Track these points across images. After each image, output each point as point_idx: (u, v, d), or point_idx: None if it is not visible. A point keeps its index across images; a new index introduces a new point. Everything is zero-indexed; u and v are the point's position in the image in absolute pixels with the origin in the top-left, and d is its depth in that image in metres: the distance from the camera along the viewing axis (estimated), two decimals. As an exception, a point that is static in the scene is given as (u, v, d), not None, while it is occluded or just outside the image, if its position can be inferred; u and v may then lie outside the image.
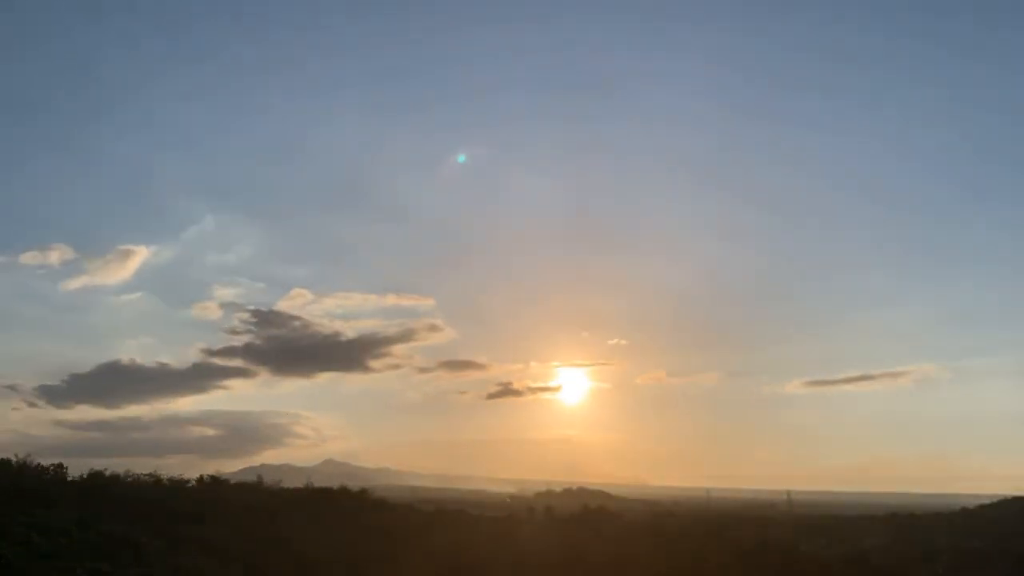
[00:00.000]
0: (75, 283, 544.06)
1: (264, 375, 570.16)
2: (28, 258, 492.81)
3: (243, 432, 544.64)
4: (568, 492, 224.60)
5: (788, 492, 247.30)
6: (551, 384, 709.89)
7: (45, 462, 61.05)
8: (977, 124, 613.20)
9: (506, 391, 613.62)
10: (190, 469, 70.23)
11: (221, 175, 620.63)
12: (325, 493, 72.95)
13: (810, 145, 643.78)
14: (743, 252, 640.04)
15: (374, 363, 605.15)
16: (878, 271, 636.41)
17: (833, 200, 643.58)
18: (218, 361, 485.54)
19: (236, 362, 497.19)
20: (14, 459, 59.62)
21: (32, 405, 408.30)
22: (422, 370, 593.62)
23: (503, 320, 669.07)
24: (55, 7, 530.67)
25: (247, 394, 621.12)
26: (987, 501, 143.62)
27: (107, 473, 62.06)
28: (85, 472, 61.37)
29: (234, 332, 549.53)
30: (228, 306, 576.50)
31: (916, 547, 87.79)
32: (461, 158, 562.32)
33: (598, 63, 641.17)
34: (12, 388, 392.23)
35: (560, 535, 63.75)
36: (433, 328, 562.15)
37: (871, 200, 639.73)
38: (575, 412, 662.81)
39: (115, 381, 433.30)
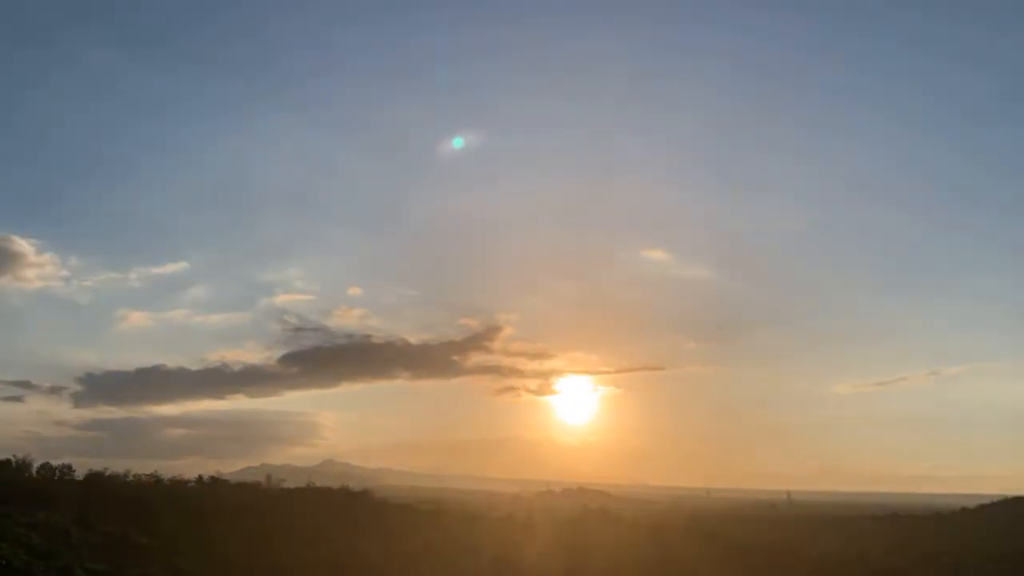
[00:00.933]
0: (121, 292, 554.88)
1: (299, 382, 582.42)
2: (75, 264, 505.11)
3: (268, 432, 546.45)
4: (568, 492, 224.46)
5: (788, 492, 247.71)
6: (558, 385, 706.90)
7: (69, 463, 61.23)
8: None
9: (511, 391, 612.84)
10: (205, 469, 70.40)
11: (277, 189, 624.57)
12: (326, 493, 73.00)
13: (857, 146, 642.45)
14: (754, 252, 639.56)
15: (400, 370, 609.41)
16: (887, 280, 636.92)
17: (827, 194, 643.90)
18: (273, 368, 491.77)
19: (278, 368, 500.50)
20: (14, 459, 59.63)
21: (76, 406, 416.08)
22: (443, 375, 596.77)
23: (524, 324, 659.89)
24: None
25: (285, 399, 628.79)
26: (987, 501, 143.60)
27: (107, 473, 62.08)
28: (85, 472, 61.48)
29: (277, 341, 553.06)
30: (270, 317, 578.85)
31: (916, 547, 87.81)
32: (458, 141, 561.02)
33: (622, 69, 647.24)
34: (54, 389, 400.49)
35: (560, 536, 63.70)
36: (453, 330, 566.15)
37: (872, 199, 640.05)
38: (579, 413, 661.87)
39: (150, 386, 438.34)
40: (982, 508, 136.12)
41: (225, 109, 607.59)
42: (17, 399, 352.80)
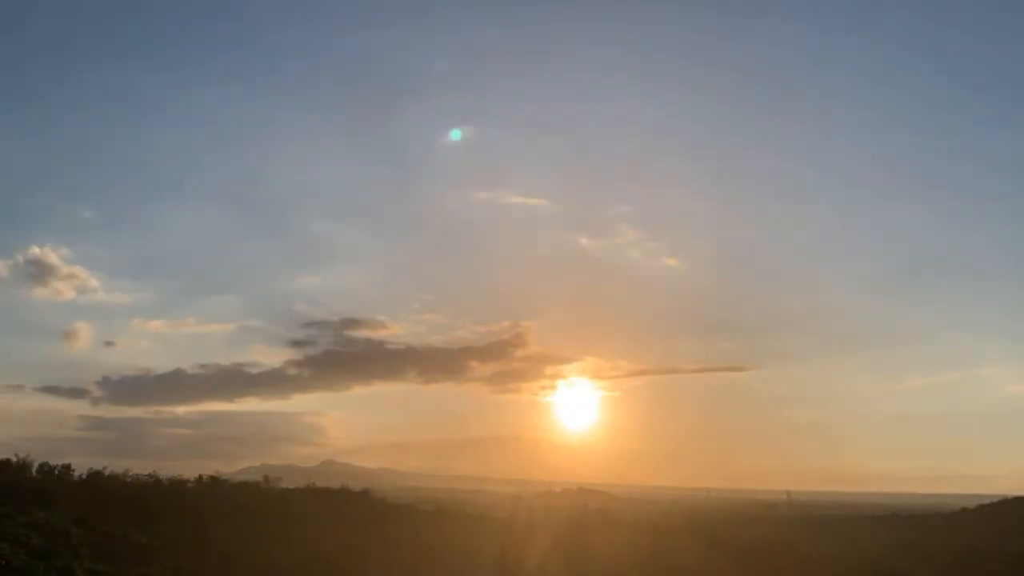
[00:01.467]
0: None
1: (312, 385, 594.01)
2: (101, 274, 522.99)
3: (272, 432, 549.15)
4: (568, 492, 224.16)
5: (788, 492, 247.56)
6: (565, 388, 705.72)
7: (68, 463, 61.20)
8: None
9: (514, 392, 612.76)
10: (208, 470, 70.67)
11: (293, 195, 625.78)
12: (325, 493, 72.99)
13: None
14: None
15: (414, 374, 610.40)
16: (888, 282, 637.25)
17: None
18: (287, 371, 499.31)
19: (292, 372, 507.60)
20: (15, 459, 59.49)
21: (94, 405, 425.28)
22: (457, 380, 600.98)
23: (538, 329, 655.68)
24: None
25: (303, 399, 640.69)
26: (987, 501, 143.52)
27: (107, 473, 61.98)
28: (85, 472, 61.37)
29: (292, 345, 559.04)
30: (287, 322, 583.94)
31: (916, 547, 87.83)
32: (455, 134, 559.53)
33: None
34: (75, 392, 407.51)
35: (560, 536, 63.72)
36: (470, 335, 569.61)
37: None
38: (581, 413, 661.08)
39: (166, 389, 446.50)
40: (982, 508, 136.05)
41: (238, 114, 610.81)
42: (41, 402, 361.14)
